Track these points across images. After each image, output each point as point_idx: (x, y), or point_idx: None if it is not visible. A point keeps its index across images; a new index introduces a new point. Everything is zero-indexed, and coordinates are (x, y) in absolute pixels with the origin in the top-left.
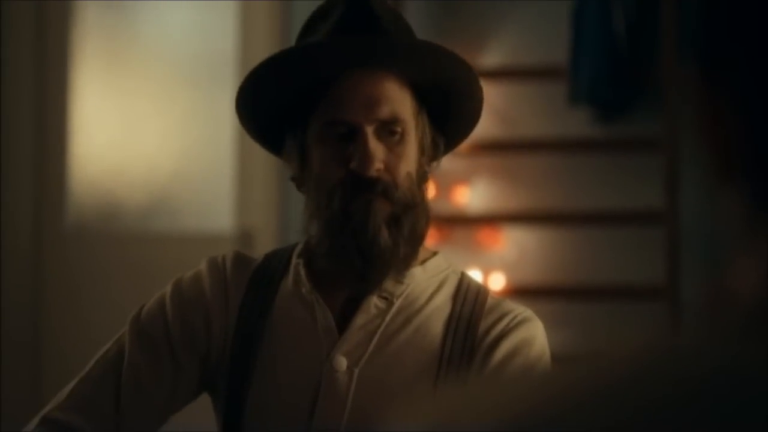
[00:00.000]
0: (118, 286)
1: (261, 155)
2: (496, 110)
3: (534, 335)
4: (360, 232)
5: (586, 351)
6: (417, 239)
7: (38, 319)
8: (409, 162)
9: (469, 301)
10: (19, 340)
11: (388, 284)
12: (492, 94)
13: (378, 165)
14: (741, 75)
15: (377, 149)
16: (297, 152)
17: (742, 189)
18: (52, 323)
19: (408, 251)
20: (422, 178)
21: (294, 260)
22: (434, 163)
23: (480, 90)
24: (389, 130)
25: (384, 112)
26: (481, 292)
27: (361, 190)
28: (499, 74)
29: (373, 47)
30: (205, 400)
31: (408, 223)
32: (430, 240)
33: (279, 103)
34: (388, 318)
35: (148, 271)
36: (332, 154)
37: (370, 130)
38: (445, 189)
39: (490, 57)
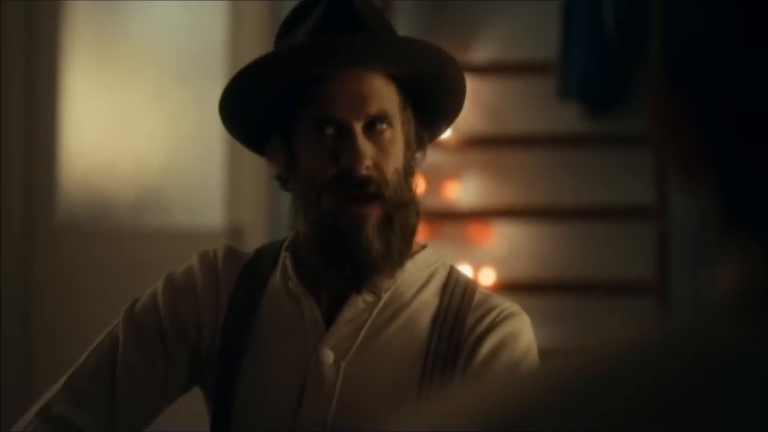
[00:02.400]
0: (108, 282)
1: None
2: (486, 105)
3: (520, 329)
4: (352, 242)
5: (577, 346)
6: (409, 236)
7: (29, 315)
8: (396, 158)
9: (456, 296)
10: (10, 336)
11: (376, 278)
12: (482, 89)
13: (368, 162)
14: (700, 86)
15: (366, 147)
16: (283, 151)
17: (708, 194)
18: (43, 319)
19: (401, 249)
20: (409, 172)
21: (283, 253)
22: (419, 156)
23: (463, 81)
24: (377, 126)
25: (372, 108)
26: (469, 286)
27: (352, 189)
28: (488, 69)
29: (355, 47)
30: (201, 399)
31: (399, 220)
32: (420, 235)
33: (264, 104)
34: (375, 312)
35: (139, 267)
36: (321, 152)
37: (358, 127)
38: (435, 184)
39: (479, 52)
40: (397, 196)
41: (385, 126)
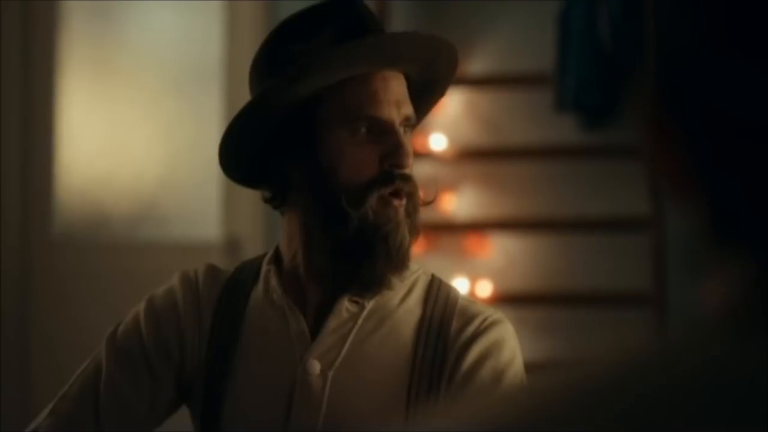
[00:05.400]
0: (105, 295)
1: None
2: (483, 117)
3: (504, 337)
4: (390, 237)
5: (573, 357)
6: (415, 239)
7: (27, 327)
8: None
9: (440, 304)
10: (8, 348)
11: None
12: (478, 101)
13: (410, 161)
14: (685, 99)
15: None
16: (307, 160)
17: (697, 208)
18: (40, 331)
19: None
20: None
21: (264, 268)
22: None
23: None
24: (405, 128)
25: (407, 109)
26: (451, 294)
27: (395, 185)
28: (485, 81)
29: (409, 44)
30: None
31: (416, 217)
32: (417, 247)
33: (279, 116)
34: (360, 321)
35: (136, 279)
36: (363, 153)
37: (399, 126)
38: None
39: (476, 64)
40: (419, 198)
41: (409, 130)
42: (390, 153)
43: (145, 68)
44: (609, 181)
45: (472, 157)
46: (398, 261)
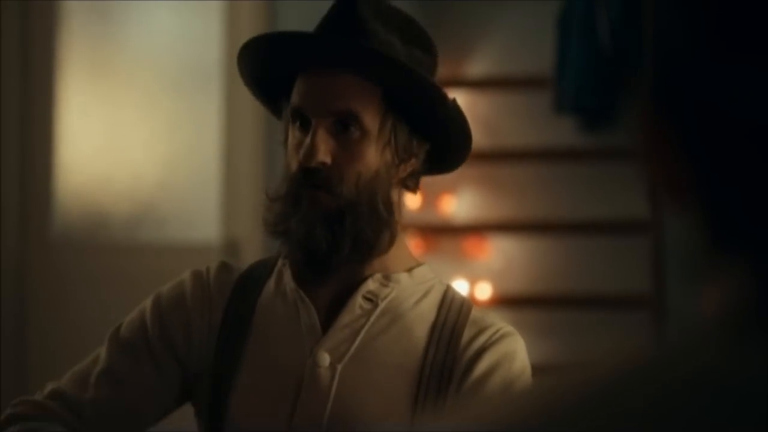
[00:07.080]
0: (104, 296)
1: (247, 164)
2: (482, 120)
3: (515, 350)
4: (300, 225)
5: (573, 360)
6: (361, 241)
7: (25, 329)
8: (363, 162)
9: (453, 312)
10: (5, 350)
11: (373, 286)
12: (478, 103)
13: (322, 157)
14: (681, 103)
15: (324, 142)
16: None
17: (694, 215)
18: (39, 333)
19: (351, 250)
20: (384, 182)
21: (279, 262)
22: (409, 168)
23: (446, 99)
24: (344, 126)
25: (337, 106)
26: (465, 304)
27: (304, 181)
28: (484, 84)
29: (327, 48)
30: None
31: (351, 221)
32: (417, 250)
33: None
34: (372, 318)
35: (134, 281)
36: (294, 143)
37: (321, 123)
38: (431, 198)
39: (475, 66)
40: (352, 195)
41: (353, 127)
42: (301, 148)
43: (144, 69)
44: (608, 184)
45: (471, 159)
46: (313, 256)
